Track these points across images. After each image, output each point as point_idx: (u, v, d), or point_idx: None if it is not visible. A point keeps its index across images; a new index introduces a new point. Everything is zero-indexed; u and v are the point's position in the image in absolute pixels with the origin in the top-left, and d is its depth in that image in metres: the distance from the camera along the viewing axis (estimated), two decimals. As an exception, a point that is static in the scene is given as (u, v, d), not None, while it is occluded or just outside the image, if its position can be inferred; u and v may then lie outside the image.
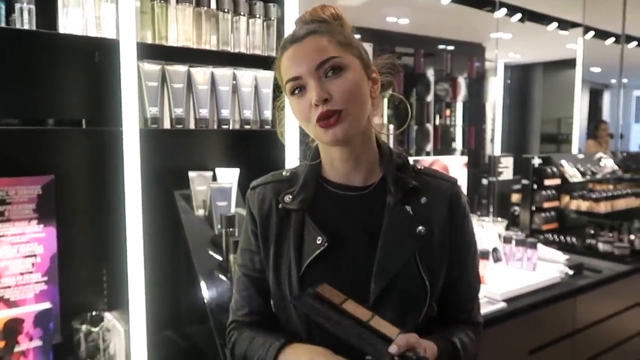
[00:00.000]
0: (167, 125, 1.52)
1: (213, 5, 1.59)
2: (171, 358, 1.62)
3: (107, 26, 1.38)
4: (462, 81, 5.45)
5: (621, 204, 3.23)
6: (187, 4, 1.51)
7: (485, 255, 2.16)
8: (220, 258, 1.57)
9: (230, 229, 1.56)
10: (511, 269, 2.37)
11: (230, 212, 1.64)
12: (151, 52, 1.46)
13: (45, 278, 1.47)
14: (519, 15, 4.10)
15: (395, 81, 1.01)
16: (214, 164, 1.76)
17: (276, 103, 1.07)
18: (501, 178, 2.94)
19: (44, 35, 1.33)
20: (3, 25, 1.30)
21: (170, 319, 1.69)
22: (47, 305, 1.42)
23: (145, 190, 1.41)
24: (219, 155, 1.82)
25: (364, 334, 0.79)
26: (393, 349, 0.77)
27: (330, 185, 0.97)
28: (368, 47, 0.96)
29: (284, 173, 1.01)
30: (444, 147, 5.42)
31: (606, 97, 9.12)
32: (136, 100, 1.39)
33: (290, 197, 0.95)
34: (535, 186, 3.01)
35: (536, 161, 3.04)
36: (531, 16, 4.23)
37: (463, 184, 2.54)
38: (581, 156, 3.43)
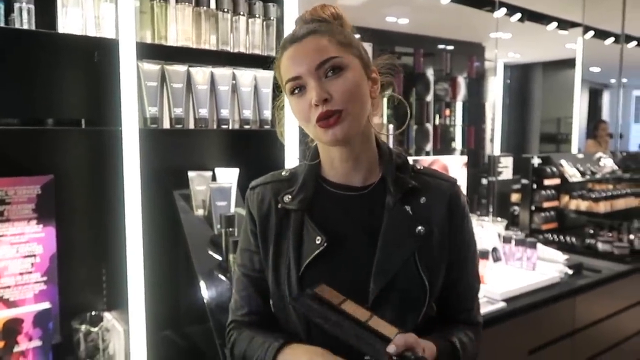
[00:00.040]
0: (166, 125, 1.52)
1: (212, 5, 1.59)
2: (171, 358, 1.62)
3: (106, 26, 1.38)
4: (461, 81, 5.46)
5: (620, 204, 3.24)
6: (187, 3, 1.51)
7: (484, 255, 2.16)
8: (219, 258, 1.57)
9: (230, 229, 1.56)
10: (511, 268, 2.37)
11: (230, 212, 1.63)
12: (150, 51, 1.45)
13: (45, 278, 1.47)
14: (518, 15, 4.10)
15: (395, 81, 1.01)
16: (213, 163, 1.76)
17: (276, 103, 1.07)
18: (501, 178, 2.94)
19: (43, 35, 1.33)
20: (2, 24, 1.29)
21: (169, 319, 1.69)
22: (46, 305, 1.42)
23: (144, 190, 1.41)
24: (219, 155, 1.82)
25: (363, 334, 0.79)
26: (391, 348, 0.77)
27: (330, 185, 0.97)
28: (367, 47, 0.96)
29: (283, 173, 1.01)
30: (443, 146, 5.43)
31: (606, 97, 9.12)
32: (135, 100, 1.39)
33: (290, 197, 0.95)
34: (534, 186, 3.02)
35: (536, 161, 3.04)
36: (531, 16, 4.23)
37: (463, 183, 2.54)
38: (581, 156, 3.43)
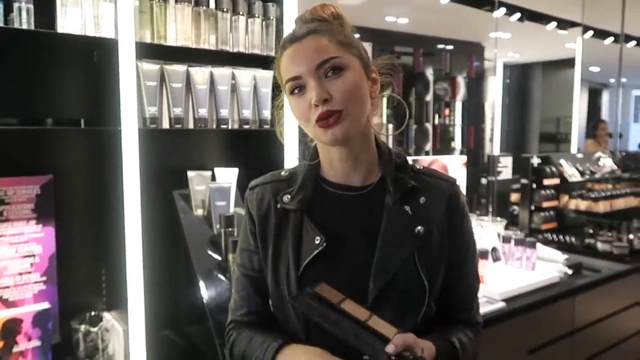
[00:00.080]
0: (165, 125, 1.52)
1: (212, 4, 1.58)
2: (170, 358, 1.62)
3: (105, 26, 1.38)
4: (461, 80, 5.46)
5: (620, 204, 3.24)
6: (186, 3, 1.51)
7: (484, 254, 2.16)
8: (219, 258, 1.57)
9: (229, 229, 1.55)
10: (510, 268, 2.37)
11: (229, 212, 1.63)
12: (150, 51, 1.45)
13: (44, 278, 1.46)
14: (518, 15, 4.10)
15: (394, 81, 1.01)
16: (212, 163, 1.76)
17: (275, 102, 1.07)
18: (500, 177, 2.94)
19: (42, 34, 1.33)
20: (1, 24, 1.29)
21: (169, 318, 1.69)
22: (45, 305, 1.42)
23: (144, 190, 1.41)
24: (218, 155, 1.82)
25: (362, 333, 0.79)
26: (390, 348, 0.77)
27: (329, 185, 0.97)
28: (367, 47, 0.96)
29: (282, 173, 1.01)
30: (443, 146, 5.43)
31: (605, 97, 9.13)
32: (135, 100, 1.38)
33: (289, 197, 0.95)
34: (534, 186, 3.02)
35: (535, 161, 3.04)
36: (530, 15, 4.23)
37: (462, 183, 2.54)
38: (580, 156, 3.44)
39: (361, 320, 0.80)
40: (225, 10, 1.59)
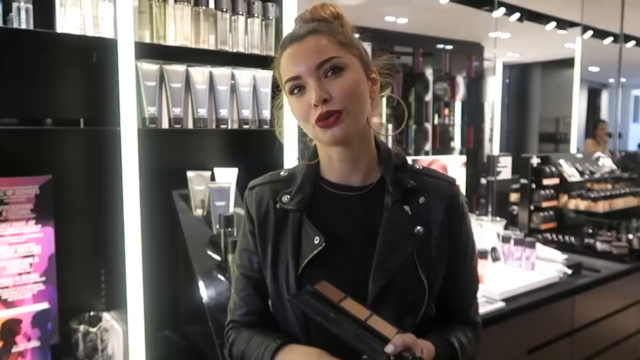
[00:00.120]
0: (165, 125, 1.52)
1: (211, 4, 1.58)
2: (169, 358, 1.62)
3: (105, 25, 1.38)
4: (460, 80, 5.46)
5: (619, 204, 3.24)
6: (185, 3, 1.51)
7: (483, 254, 2.16)
8: (218, 258, 1.57)
9: (229, 229, 1.55)
10: (510, 268, 2.37)
11: (229, 212, 1.63)
12: (149, 51, 1.45)
13: (43, 278, 1.46)
14: (517, 15, 4.10)
15: (394, 81, 1.01)
16: (212, 163, 1.76)
17: (274, 102, 1.07)
18: (500, 177, 2.94)
19: (41, 34, 1.32)
20: (0, 24, 1.29)
21: (168, 319, 1.68)
22: (45, 305, 1.42)
23: (143, 190, 1.41)
24: (218, 155, 1.82)
25: (361, 333, 0.79)
26: (389, 348, 0.76)
27: (329, 185, 0.97)
28: (366, 47, 0.96)
29: (281, 173, 1.01)
30: (442, 146, 5.43)
31: (604, 97, 9.14)
32: (134, 100, 1.38)
33: (288, 197, 0.95)
34: (533, 186, 3.02)
35: (535, 160, 3.04)
36: (530, 15, 4.23)
37: (462, 183, 2.54)
38: (579, 155, 3.44)
39: (361, 319, 0.80)
40: (224, 10, 1.59)
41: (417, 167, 1.01)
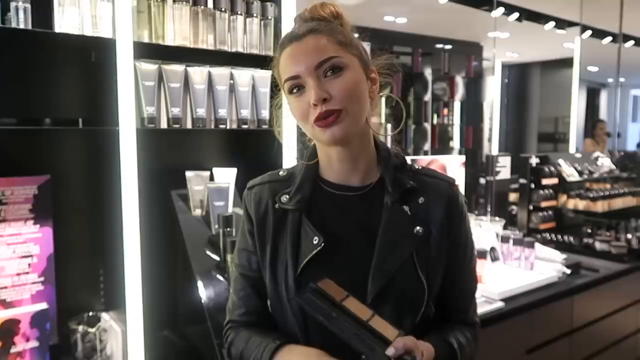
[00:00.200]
0: (164, 124, 1.51)
1: (210, 4, 1.58)
2: (168, 358, 1.62)
3: (103, 25, 1.37)
4: (459, 80, 5.46)
5: (618, 203, 3.24)
6: (184, 3, 1.50)
7: (482, 254, 2.16)
8: (217, 258, 1.57)
9: (228, 229, 1.55)
10: (509, 268, 2.37)
11: (228, 212, 1.63)
12: (148, 51, 1.45)
13: (42, 278, 1.46)
14: (516, 15, 4.10)
15: (393, 81, 1.00)
16: (211, 163, 1.75)
17: (273, 102, 1.07)
18: (499, 177, 2.95)
19: (39, 34, 1.32)
20: (-1, 24, 1.29)
21: (167, 319, 1.68)
22: (43, 305, 1.42)
23: (142, 190, 1.41)
24: (216, 154, 1.81)
25: (362, 333, 0.79)
26: (390, 351, 0.77)
27: (328, 185, 0.97)
28: (366, 46, 0.96)
29: (280, 173, 1.01)
30: (441, 146, 5.43)
31: (603, 96, 9.14)
32: (133, 100, 1.38)
33: (287, 197, 0.95)
34: (532, 185, 3.02)
35: (534, 160, 3.04)
36: (528, 15, 4.24)
37: (461, 183, 2.54)
38: (578, 155, 3.44)
39: (363, 319, 0.80)
40: (223, 10, 1.59)
41: (416, 167, 1.00)
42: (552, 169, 3.08)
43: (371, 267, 0.89)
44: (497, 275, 2.22)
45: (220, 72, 1.60)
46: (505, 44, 5.54)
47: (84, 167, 1.59)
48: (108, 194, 1.45)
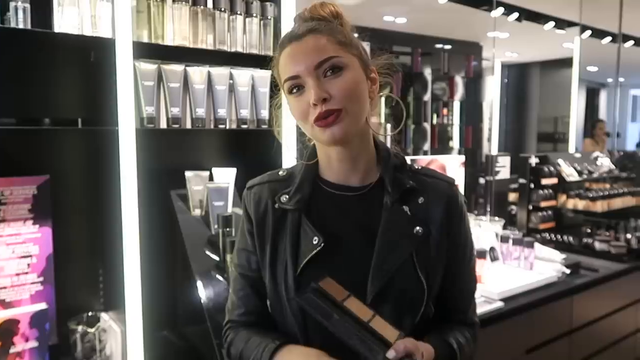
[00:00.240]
0: (163, 124, 1.51)
1: (209, 4, 1.58)
2: (168, 358, 1.62)
3: (102, 25, 1.37)
4: (459, 80, 5.46)
5: (618, 203, 3.24)
6: (184, 2, 1.50)
7: (482, 254, 2.16)
8: (217, 258, 1.57)
9: (227, 229, 1.55)
10: (508, 268, 2.37)
11: (227, 212, 1.63)
12: (147, 51, 1.45)
13: (41, 279, 1.46)
14: (515, 15, 4.10)
15: (393, 81, 1.00)
16: (210, 163, 1.75)
17: (273, 102, 1.07)
18: (498, 177, 2.94)
19: (39, 34, 1.32)
20: (-2, 24, 1.29)
21: (166, 319, 1.68)
22: (42, 305, 1.42)
23: (141, 190, 1.41)
24: (216, 154, 1.81)
25: (363, 335, 0.79)
26: (391, 354, 0.77)
27: (327, 185, 0.97)
28: (365, 46, 0.95)
29: (280, 173, 1.00)
30: (441, 146, 5.43)
31: (603, 96, 9.15)
32: (132, 100, 1.38)
33: (287, 197, 0.95)
34: (532, 185, 3.02)
35: (533, 160, 3.04)
36: (528, 15, 4.24)
37: (460, 183, 2.54)
38: (578, 155, 3.44)
39: (363, 321, 0.80)
40: (222, 9, 1.59)
41: (416, 167, 1.00)
42: (552, 168, 3.08)
43: (371, 267, 0.89)
44: (496, 275, 2.22)
45: (220, 72, 1.60)
46: (504, 43, 5.54)
47: (83, 167, 1.58)
48: (107, 194, 1.45)
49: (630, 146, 9.36)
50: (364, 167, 0.96)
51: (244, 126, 1.66)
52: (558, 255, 2.50)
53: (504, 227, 2.72)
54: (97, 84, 1.45)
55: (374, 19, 4.59)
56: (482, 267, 2.11)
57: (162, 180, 1.65)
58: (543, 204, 3.03)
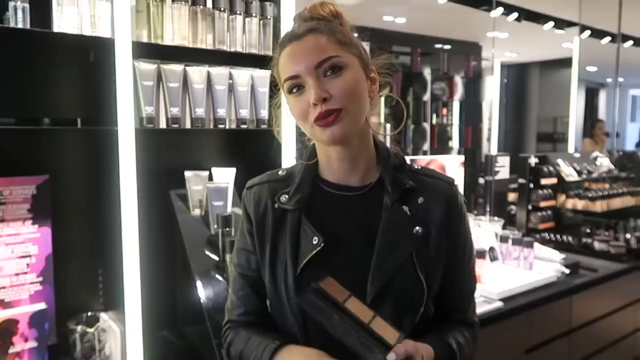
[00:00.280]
0: (162, 124, 1.51)
1: (209, 4, 1.58)
2: (167, 358, 1.62)
3: (102, 25, 1.37)
4: (458, 80, 5.46)
5: (617, 203, 3.24)
6: (183, 2, 1.50)
7: (482, 254, 2.16)
8: (216, 258, 1.57)
9: (227, 229, 1.55)
10: (508, 268, 2.37)
11: (227, 212, 1.63)
12: (147, 51, 1.45)
13: (41, 278, 1.46)
14: (515, 15, 4.10)
15: (393, 81, 1.00)
16: (210, 163, 1.75)
17: (273, 102, 1.07)
18: (498, 177, 2.95)
19: (38, 34, 1.32)
20: (-3, 24, 1.29)
21: (166, 319, 1.68)
22: (42, 305, 1.42)
23: (141, 190, 1.40)
24: (215, 154, 1.81)
25: (363, 337, 0.78)
26: (391, 357, 0.77)
27: (327, 185, 0.97)
28: (365, 46, 0.95)
29: (280, 172, 1.00)
30: (440, 146, 5.43)
31: (602, 96, 9.15)
32: (132, 100, 1.38)
33: (287, 196, 0.95)
34: (531, 185, 3.02)
35: (532, 160, 3.04)
36: (527, 15, 4.24)
37: (460, 183, 2.54)
38: (577, 155, 3.44)
39: (364, 322, 0.80)
40: (222, 9, 1.59)
41: (416, 167, 1.00)
42: (551, 168, 3.08)
43: (371, 267, 0.89)
44: (496, 275, 2.22)
45: (219, 72, 1.60)
46: (504, 43, 5.54)
47: (82, 167, 1.58)
48: (107, 194, 1.45)
49: (630, 146, 9.37)
50: (364, 167, 0.96)
51: (244, 126, 1.66)
52: (557, 255, 2.50)
53: (504, 227, 2.72)
54: (97, 84, 1.45)
55: (373, 19, 4.59)
56: (482, 267, 2.11)
57: (161, 180, 1.65)
58: (542, 204, 3.03)
